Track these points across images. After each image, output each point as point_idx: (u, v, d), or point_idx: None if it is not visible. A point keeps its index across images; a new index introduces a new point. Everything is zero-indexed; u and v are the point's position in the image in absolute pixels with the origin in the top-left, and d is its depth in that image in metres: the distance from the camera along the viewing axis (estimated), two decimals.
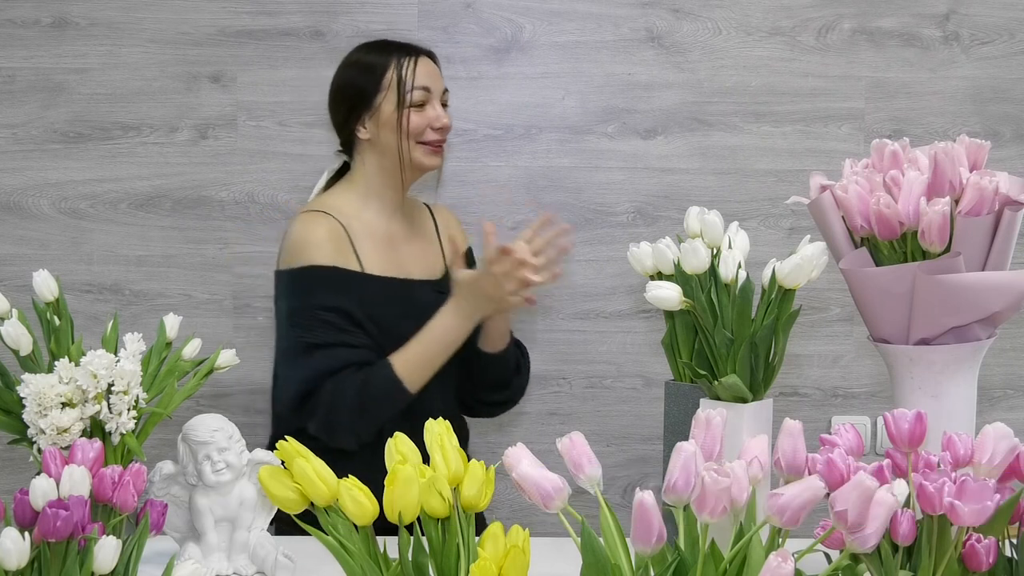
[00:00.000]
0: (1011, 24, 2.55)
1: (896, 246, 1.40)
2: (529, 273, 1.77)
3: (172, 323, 1.57)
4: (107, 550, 1.13)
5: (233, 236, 2.53)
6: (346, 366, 1.82)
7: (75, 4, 2.49)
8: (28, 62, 2.50)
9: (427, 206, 2.13)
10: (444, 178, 2.53)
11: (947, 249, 1.37)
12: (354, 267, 1.90)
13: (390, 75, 1.93)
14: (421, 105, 1.93)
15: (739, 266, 1.44)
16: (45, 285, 1.52)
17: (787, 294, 1.44)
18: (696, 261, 1.44)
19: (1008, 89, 2.55)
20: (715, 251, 1.47)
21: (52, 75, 2.50)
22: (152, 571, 1.31)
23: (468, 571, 1.06)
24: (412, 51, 1.96)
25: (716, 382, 1.42)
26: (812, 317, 2.55)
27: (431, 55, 2.00)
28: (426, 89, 1.93)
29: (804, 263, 1.42)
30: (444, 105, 1.98)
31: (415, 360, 1.83)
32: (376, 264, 1.93)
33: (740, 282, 1.44)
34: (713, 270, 1.45)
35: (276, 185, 2.53)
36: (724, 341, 1.42)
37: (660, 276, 1.50)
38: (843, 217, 1.44)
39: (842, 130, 2.54)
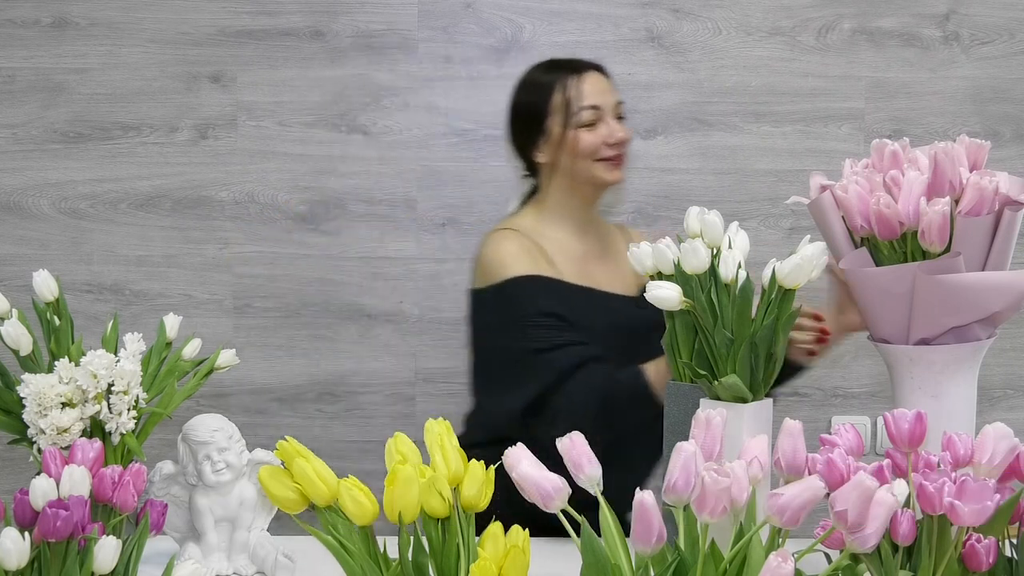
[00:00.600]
0: (1011, 24, 2.55)
1: (896, 246, 1.40)
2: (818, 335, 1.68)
3: (172, 323, 1.57)
4: (107, 550, 1.13)
5: (233, 236, 2.53)
6: (580, 364, 1.77)
7: (75, 4, 2.49)
8: (28, 62, 2.50)
9: (620, 227, 2.10)
10: (444, 178, 2.54)
11: (947, 249, 1.37)
12: (553, 274, 1.87)
13: (557, 97, 1.90)
14: (592, 123, 1.89)
15: (739, 266, 1.44)
16: (45, 285, 1.52)
17: (787, 294, 1.44)
18: (696, 261, 1.44)
19: (1008, 89, 2.55)
20: (715, 251, 1.47)
21: (52, 75, 2.50)
22: (152, 571, 1.31)
23: (468, 571, 1.06)
24: (577, 68, 1.92)
25: (716, 382, 1.42)
26: None
27: (599, 68, 1.95)
28: (595, 107, 1.89)
29: (804, 263, 1.42)
30: (620, 117, 1.93)
31: (665, 371, 1.70)
32: (572, 276, 1.90)
33: (740, 282, 1.43)
34: (713, 270, 1.45)
35: (276, 185, 2.53)
36: (724, 341, 1.42)
37: (660, 276, 1.50)
38: (843, 217, 1.44)
39: (842, 130, 2.54)
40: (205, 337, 1.59)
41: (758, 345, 1.42)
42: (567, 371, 1.77)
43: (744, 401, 1.41)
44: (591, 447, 1.71)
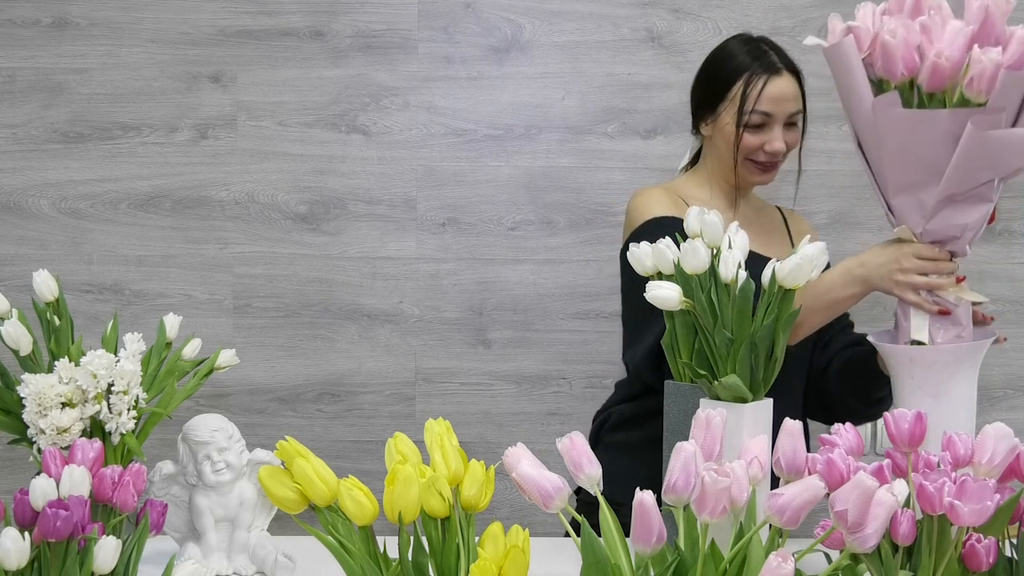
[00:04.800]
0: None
1: (925, 97, 1.41)
2: (934, 279, 1.55)
3: (172, 323, 1.57)
4: (107, 550, 1.13)
5: (233, 236, 2.53)
6: None
7: (75, 4, 2.49)
8: (28, 62, 2.50)
9: (780, 209, 2.08)
10: (444, 178, 2.54)
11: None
12: None
13: (737, 88, 1.87)
14: (760, 126, 1.87)
15: (739, 266, 1.44)
16: (45, 285, 1.52)
17: (787, 294, 1.44)
18: (696, 261, 1.44)
19: None
20: (715, 251, 1.47)
21: (52, 75, 2.50)
22: (152, 571, 1.31)
23: (468, 571, 1.06)
24: (769, 68, 1.87)
25: (716, 382, 1.42)
26: None
27: (796, 72, 1.90)
28: (767, 114, 1.86)
29: (804, 263, 1.42)
30: (792, 124, 1.89)
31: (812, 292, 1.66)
32: None
33: (740, 282, 1.44)
34: (713, 270, 1.45)
35: (276, 185, 2.53)
36: (724, 341, 1.42)
37: (660, 276, 1.50)
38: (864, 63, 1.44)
39: (842, 130, 2.54)
40: (205, 337, 1.59)
41: (758, 345, 1.42)
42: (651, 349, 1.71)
43: (744, 401, 1.41)
44: None
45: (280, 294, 2.55)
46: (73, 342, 1.51)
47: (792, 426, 1.15)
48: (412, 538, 1.12)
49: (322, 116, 2.52)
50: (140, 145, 2.51)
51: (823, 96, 2.54)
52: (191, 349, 1.56)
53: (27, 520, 1.13)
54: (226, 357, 1.57)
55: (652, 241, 1.60)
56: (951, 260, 1.54)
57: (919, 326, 1.50)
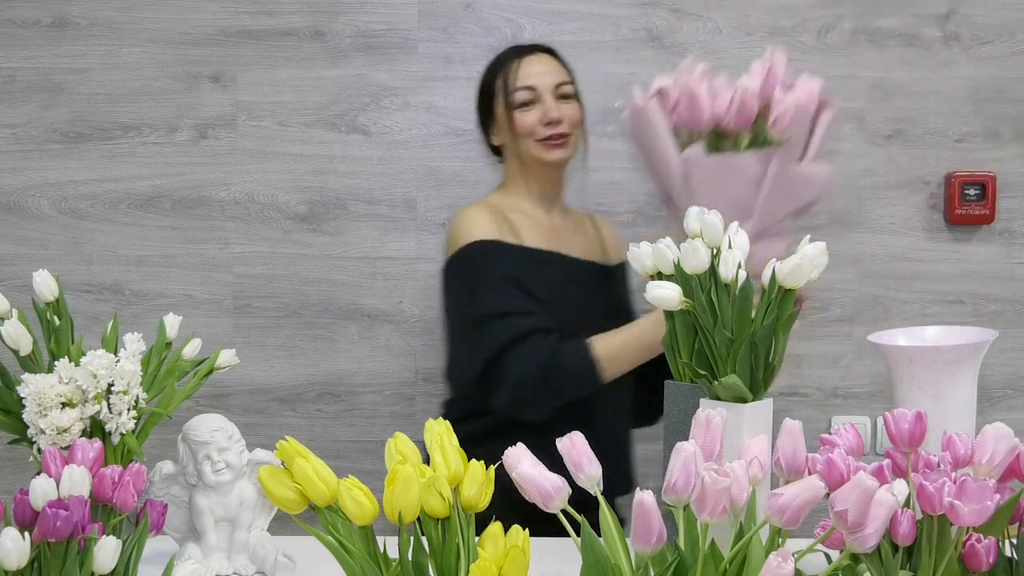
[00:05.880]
0: (1011, 24, 2.55)
1: (727, 142, 1.56)
2: None
3: (172, 323, 1.57)
4: (107, 550, 1.13)
5: (233, 236, 2.53)
6: (529, 333, 1.80)
7: (75, 4, 2.49)
8: (28, 62, 2.50)
9: (591, 216, 2.15)
10: (444, 178, 2.54)
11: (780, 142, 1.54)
12: (515, 241, 1.92)
13: (499, 80, 1.96)
14: (529, 103, 1.93)
15: (739, 266, 1.44)
16: (45, 285, 1.52)
17: (787, 294, 1.44)
18: (696, 261, 1.44)
19: (1008, 89, 2.55)
20: (715, 251, 1.47)
21: (52, 75, 2.50)
22: (152, 571, 1.31)
23: (468, 571, 1.06)
24: (520, 51, 1.99)
25: (716, 382, 1.42)
26: (812, 317, 2.55)
27: (547, 50, 2.01)
28: (530, 88, 1.94)
29: (804, 263, 1.42)
30: (565, 97, 1.97)
31: (615, 349, 1.79)
32: (536, 241, 1.94)
33: (740, 282, 1.43)
34: (713, 270, 1.45)
35: (276, 185, 2.53)
36: (724, 341, 1.42)
37: (660, 276, 1.50)
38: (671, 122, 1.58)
39: (842, 130, 2.54)
40: (205, 337, 1.59)
41: (758, 345, 1.42)
42: (510, 341, 1.79)
43: (744, 401, 1.41)
44: (536, 416, 1.77)
45: (280, 294, 2.55)
46: (73, 342, 1.51)
47: (792, 426, 1.15)
48: (412, 538, 1.12)
49: (322, 116, 2.52)
50: (140, 145, 2.51)
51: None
52: (191, 349, 1.56)
53: (27, 520, 1.13)
54: (226, 357, 1.57)
55: (470, 266, 1.78)
56: None
57: None
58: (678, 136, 1.60)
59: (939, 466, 1.11)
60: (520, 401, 1.80)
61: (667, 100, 1.60)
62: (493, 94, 1.98)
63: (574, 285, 1.91)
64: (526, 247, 1.91)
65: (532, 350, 1.78)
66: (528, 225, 1.96)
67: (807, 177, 1.57)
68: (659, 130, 1.59)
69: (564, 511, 1.10)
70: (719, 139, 1.56)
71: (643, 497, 1.02)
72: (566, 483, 1.11)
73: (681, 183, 1.58)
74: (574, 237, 2.02)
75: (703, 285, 1.45)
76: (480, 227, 1.90)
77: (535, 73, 1.96)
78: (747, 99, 1.50)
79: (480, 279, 1.86)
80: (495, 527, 1.10)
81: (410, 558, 1.11)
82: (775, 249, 1.61)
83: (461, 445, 1.14)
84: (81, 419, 1.39)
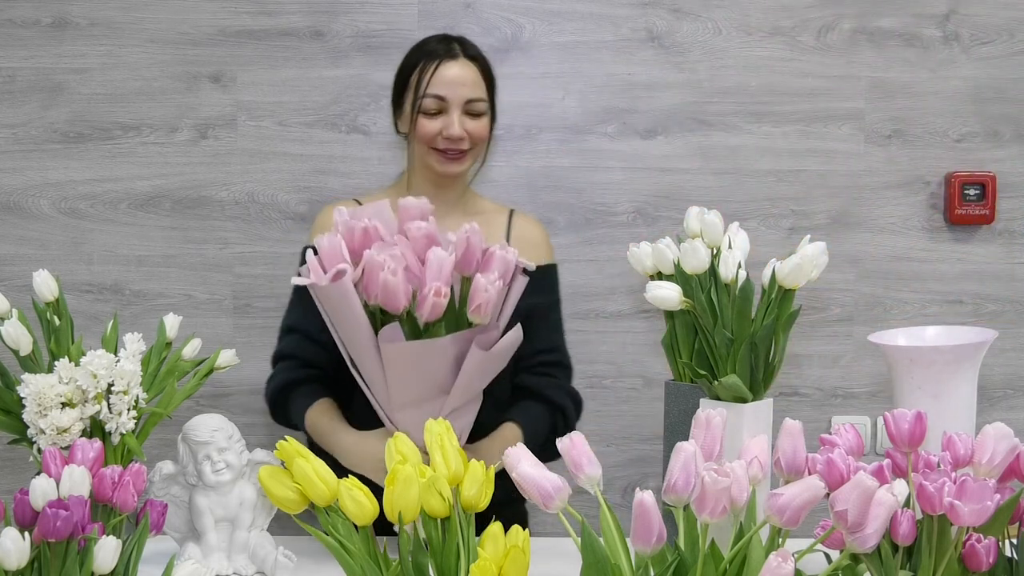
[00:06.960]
0: (1011, 24, 2.55)
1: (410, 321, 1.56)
2: None
3: (172, 323, 1.57)
4: (107, 550, 1.13)
5: (233, 236, 2.53)
6: (283, 356, 1.89)
7: (75, 4, 2.49)
8: (28, 62, 2.50)
9: (512, 213, 2.04)
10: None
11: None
12: None
13: (414, 77, 1.88)
14: (435, 112, 1.86)
15: (739, 266, 1.44)
16: (45, 285, 1.52)
17: (787, 294, 1.44)
18: (696, 261, 1.44)
19: (1008, 89, 2.55)
20: (715, 251, 1.47)
21: (52, 75, 2.50)
22: (152, 571, 1.31)
23: (468, 571, 1.06)
24: (442, 54, 1.88)
25: (716, 382, 1.42)
26: (812, 317, 2.55)
27: (475, 59, 1.90)
28: (439, 97, 1.85)
29: (804, 263, 1.42)
30: (475, 114, 1.87)
31: (319, 433, 1.80)
32: None
33: (740, 282, 1.44)
34: (713, 270, 1.45)
35: (276, 185, 2.53)
36: (724, 341, 1.42)
37: (660, 276, 1.50)
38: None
39: (842, 130, 2.54)
40: (205, 337, 1.59)
41: (758, 345, 1.42)
42: (274, 357, 1.91)
43: (744, 401, 1.41)
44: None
45: (280, 294, 2.54)
46: (73, 342, 1.51)
47: (792, 426, 1.15)
48: (412, 538, 1.12)
49: (322, 116, 2.52)
50: (140, 145, 2.51)
51: (823, 95, 2.55)
52: (191, 349, 1.56)
53: (27, 520, 1.13)
54: (226, 357, 1.57)
55: (297, 274, 1.70)
56: None
57: None
58: (371, 311, 1.57)
59: (939, 466, 1.11)
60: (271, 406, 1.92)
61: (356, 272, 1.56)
62: (405, 86, 1.91)
63: None
64: None
65: (278, 374, 1.89)
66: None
67: (499, 352, 1.59)
68: (353, 307, 1.54)
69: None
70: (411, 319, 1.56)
71: (643, 497, 1.02)
72: (566, 483, 1.11)
73: (371, 356, 1.56)
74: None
75: (703, 285, 1.45)
76: (318, 231, 1.84)
77: (448, 82, 1.85)
78: (438, 301, 1.51)
79: (295, 288, 1.89)
80: (495, 527, 1.10)
81: (410, 558, 1.11)
82: (470, 417, 1.65)
83: None
84: (81, 419, 1.39)
